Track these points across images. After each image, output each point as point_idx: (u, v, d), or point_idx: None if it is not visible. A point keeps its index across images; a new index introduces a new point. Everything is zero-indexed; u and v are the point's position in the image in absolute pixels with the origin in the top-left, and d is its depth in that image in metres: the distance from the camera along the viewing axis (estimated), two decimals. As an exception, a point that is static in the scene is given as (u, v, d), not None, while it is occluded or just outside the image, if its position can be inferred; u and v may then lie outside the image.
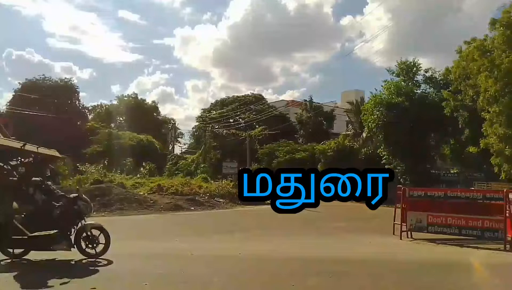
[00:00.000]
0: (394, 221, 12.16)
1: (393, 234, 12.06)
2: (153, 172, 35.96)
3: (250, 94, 56.00)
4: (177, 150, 56.56)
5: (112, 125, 55.54)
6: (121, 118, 59.00)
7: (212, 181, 30.80)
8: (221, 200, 23.70)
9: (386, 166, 28.20)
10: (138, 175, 33.22)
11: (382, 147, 29.12)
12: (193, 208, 20.90)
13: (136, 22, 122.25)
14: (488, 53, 19.71)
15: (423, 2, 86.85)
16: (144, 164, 36.87)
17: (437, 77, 28.93)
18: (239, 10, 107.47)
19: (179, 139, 60.61)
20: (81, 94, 73.88)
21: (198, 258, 8.71)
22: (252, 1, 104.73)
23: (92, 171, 28.52)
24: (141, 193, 23.33)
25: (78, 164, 30.82)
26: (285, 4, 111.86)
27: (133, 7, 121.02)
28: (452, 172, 29.67)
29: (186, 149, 58.04)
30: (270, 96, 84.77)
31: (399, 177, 27.11)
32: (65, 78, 56.35)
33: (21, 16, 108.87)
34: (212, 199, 23.45)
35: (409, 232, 11.95)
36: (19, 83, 51.98)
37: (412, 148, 26.69)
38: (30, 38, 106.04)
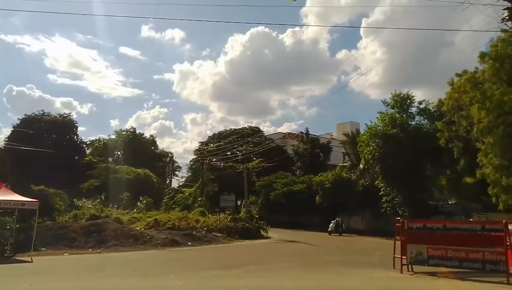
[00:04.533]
0: (394, 254, 12.01)
1: (394, 267, 11.87)
2: (150, 206, 35.59)
3: (247, 126, 56.47)
4: (175, 183, 56.32)
5: (110, 159, 55.52)
6: (118, 152, 59.05)
7: (209, 215, 30.45)
8: (218, 234, 23.37)
9: (383, 198, 28.11)
10: (135, 210, 32.87)
11: (379, 179, 29.10)
12: (190, 243, 20.57)
13: (136, 57, 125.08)
14: (480, 85, 20.08)
15: (416, 36, 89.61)
16: (141, 199, 36.56)
17: (431, 108, 29.33)
18: (237, 46, 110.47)
19: (176, 172, 60.46)
20: (80, 128, 74.51)
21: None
22: (250, 37, 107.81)
23: (89, 206, 28.20)
24: (138, 228, 23.00)
25: (74, 199, 30.54)
26: (282, 40, 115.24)
27: (133, 44, 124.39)
28: (449, 203, 29.50)
29: (183, 182, 57.77)
30: (267, 129, 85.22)
31: (397, 209, 26.94)
32: (64, 113, 56.96)
33: (24, 53, 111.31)
34: (209, 234, 23.12)
35: (409, 265, 11.79)
36: (18, 118, 52.29)
37: (409, 179, 26.68)
38: (32, 74, 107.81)
